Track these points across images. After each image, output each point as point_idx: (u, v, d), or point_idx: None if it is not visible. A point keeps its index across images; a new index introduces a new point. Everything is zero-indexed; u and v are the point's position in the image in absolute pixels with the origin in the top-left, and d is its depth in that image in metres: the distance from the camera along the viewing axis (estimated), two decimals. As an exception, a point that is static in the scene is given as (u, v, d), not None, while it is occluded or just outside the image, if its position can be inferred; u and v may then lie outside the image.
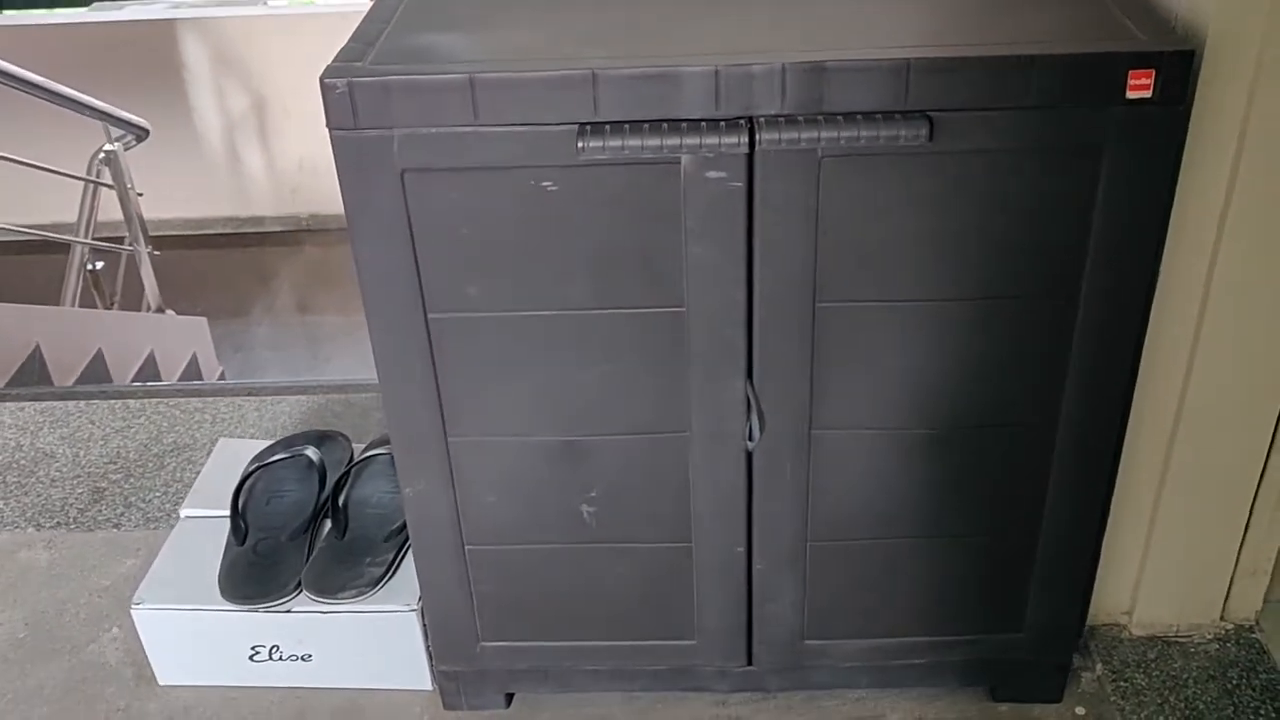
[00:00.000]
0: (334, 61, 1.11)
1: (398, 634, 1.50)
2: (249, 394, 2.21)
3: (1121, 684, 1.49)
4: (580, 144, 1.07)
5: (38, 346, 2.98)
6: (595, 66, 1.06)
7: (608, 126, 1.07)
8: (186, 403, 2.19)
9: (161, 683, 1.58)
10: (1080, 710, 1.47)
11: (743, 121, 1.08)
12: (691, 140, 1.08)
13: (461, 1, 1.28)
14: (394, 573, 1.52)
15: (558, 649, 1.45)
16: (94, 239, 3.44)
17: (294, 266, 4.88)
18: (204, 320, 3.89)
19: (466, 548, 1.36)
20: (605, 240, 1.15)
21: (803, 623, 1.41)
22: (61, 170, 3.33)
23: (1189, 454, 1.39)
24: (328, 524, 1.60)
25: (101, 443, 2.09)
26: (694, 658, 1.45)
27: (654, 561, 1.37)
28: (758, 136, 1.08)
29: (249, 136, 4.88)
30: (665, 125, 1.08)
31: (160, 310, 3.68)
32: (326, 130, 1.10)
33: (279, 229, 4.99)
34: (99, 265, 3.47)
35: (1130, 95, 1.06)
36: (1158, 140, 1.10)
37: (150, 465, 2.02)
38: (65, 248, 3.44)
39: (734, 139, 1.08)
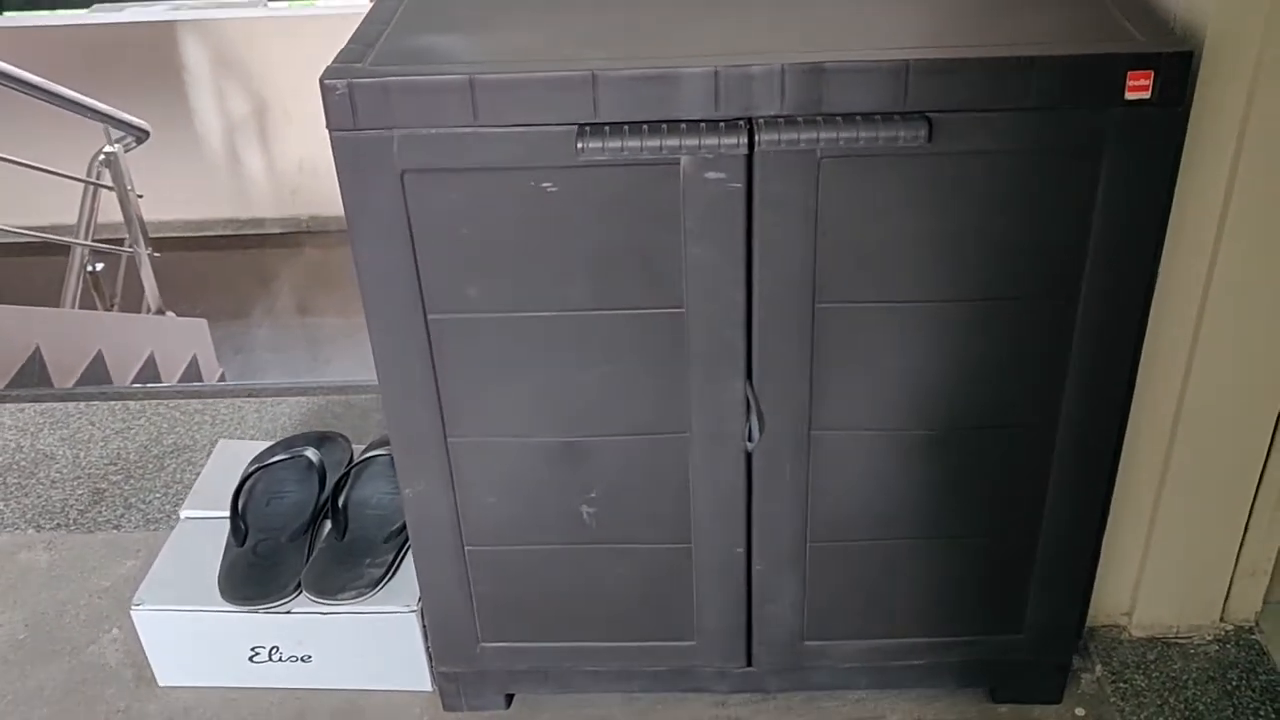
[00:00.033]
0: (334, 63, 1.11)
1: (397, 635, 1.50)
2: (249, 395, 2.21)
3: (1121, 685, 1.49)
4: (580, 145, 1.08)
5: (38, 348, 2.98)
6: (595, 67, 1.06)
7: (607, 127, 1.08)
8: (186, 404, 2.19)
9: (161, 684, 1.58)
10: (1080, 711, 1.47)
11: (742, 122, 1.08)
12: (691, 141, 1.08)
13: (461, 3, 1.28)
14: (394, 574, 1.52)
15: (557, 650, 1.45)
16: (94, 241, 3.44)
17: (294, 268, 4.88)
18: (204, 322, 3.89)
19: (466, 549, 1.36)
20: (605, 241, 1.15)
21: (802, 623, 1.41)
22: (62, 172, 3.33)
23: (1188, 455, 1.39)
24: (327, 525, 1.60)
25: (101, 444, 2.09)
26: (694, 659, 1.45)
27: (654, 562, 1.37)
28: (757, 137, 1.08)
29: (249, 138, 4.88)
30: (665, 126, 1.08)
31: (160, 312, 3.69)
32: (326, 131, 1.10)
33: (279, 231, 4.99)
34: (99, 267, 3.47)
35: (1129, 96, 1.06)
36: (1157, 141, 1.10)
37: (150, 466, 2.03)
38: (65, 249, 3.44)
39: (733, 140, 1.08)
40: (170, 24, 4.69)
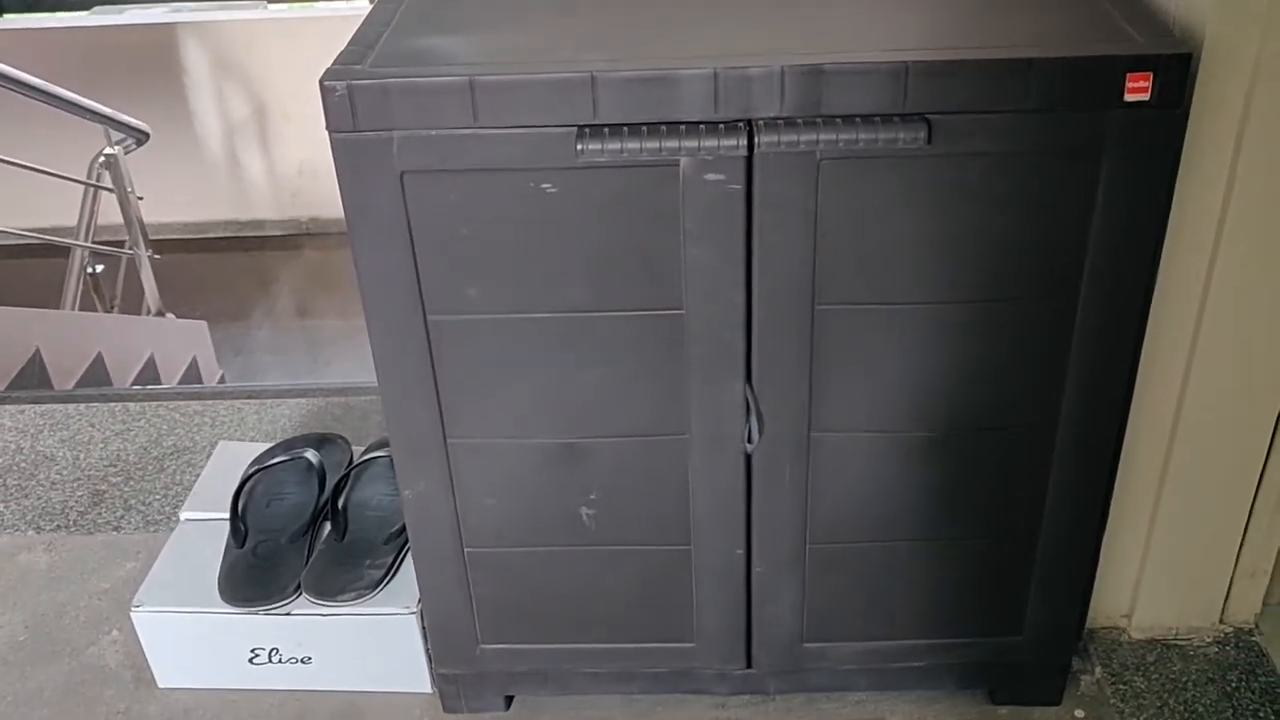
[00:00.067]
0: (333, 64, 1.11)
1: (397, 636, 1.50)
2: (249, 397, 2.21)
3: (1121, 687, 1.49)
4: (579, 146, 1.08)
5: (38, 350, 2.98)
6: (594, 69, 1.07)
7: (607, 129, 1.08)
8: (186, 406, 2.19)
9: (161, 685, 1.58)
10: (1079, 713, 1.47)
11: (741, 124, 1.08)
12: (690, 143, 1.08)
13: (461, 5, 1.28)
14: (393, 575, 1.52)
15: (557, 651, 1.45)
16: (94, 242, 3.44)
17: (294, 270, 4.89)
18: (204, 324, 3.89)
19: (466, 550, 1.36)
20: (604, 242, 1.16)
21: (802, 625, 1.41)
22: (62, 174, 3.33)
23: (1188, 456, 1.39)
24: (327, 526, 1.60)
25: (101, 446, 2.09)
26: (693, 660, 1.45)
27: (653, 564, 1.37)
28: (756, 139, 1.08)
29: (249, 140, 4.88)
30: (664, 128, 1.08)
31: (160, 314, 3.69)
32: (326, 133, 1.10)
33: (279, 233, 5.00)
34: (99, 269, 3.47)
35: (1128, 98, 1.06)
36: (1156, 143, 1.10)
37: (150, 468, 2.03)
38: (65, 251, 3.44)
39: (733, 141, 1.08)
40: (170, 26, 4.69)
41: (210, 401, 2.20)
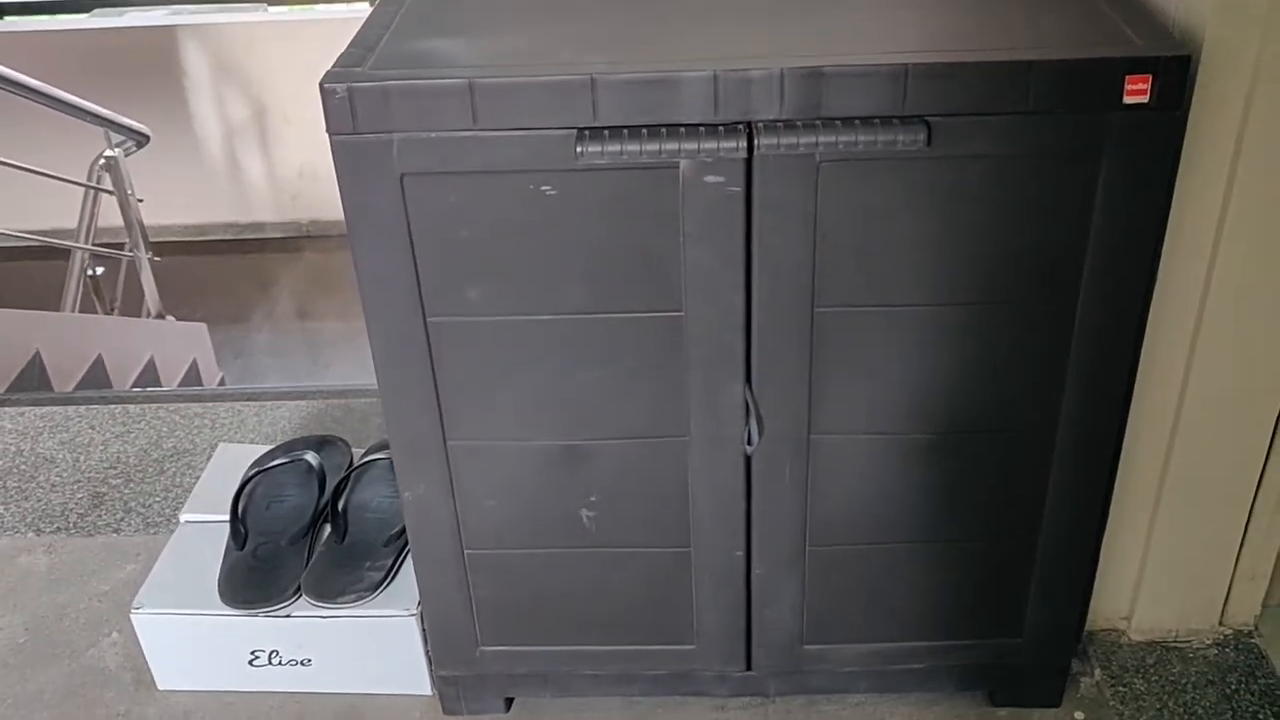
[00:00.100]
0: (334, 67, 1.11)
1: (397, 639, 1.50)
2: (249, 399, 2.22)
3: (1120, 689, 1.49)
4: (579, 149, 1.08)
5: (38, 352, 2.98)
6: (594, 71, 1.07)
7: (606, 131, 1.08)
8: (186, 408, 2.19)
9: (161, 688, 1.58)
10: (1079, 715, 1.47)
11: (741, 126, 1.08)
12: (690, 145, 1.08)
13: (460, 7, 1.28)
14: (393, 577, 1.52)
15: (557, 653, 1.45)
16: (94, 245, 3.44)
17: (294, 273, 4.89)
18: (204, 326, 3.89)
19: (466, 552, 1.36)
20: (604, 244, 1.16)
21: (802, 627, 1.41)
22: (62, 176, 3.34)
23: (1188, 458, 1.39)
24: (327, 529, 1.60)
25: (101, 448, 2.09)
26: (693, 662, 1.45)
27: (653, 566, 1.37)
28: (756, 141, 1.08)
29: (249, 143, 4.88)
30: (664, 130, 1.08)
31: (160, 316, 3.69)
32: (326, 136, 1.10)
33: (279, 235, 5.00)
34: (99, 271, 3.47)
35: (1127, 100, 1.06)
36: (1155, 145, 1.10)
37: (150, 470, 2.03)
38: (65, 253, 3.45)
39: (732, 144, 1.08)
40: (170, 29, 4.70)
41: (210, 404, 2.20)
